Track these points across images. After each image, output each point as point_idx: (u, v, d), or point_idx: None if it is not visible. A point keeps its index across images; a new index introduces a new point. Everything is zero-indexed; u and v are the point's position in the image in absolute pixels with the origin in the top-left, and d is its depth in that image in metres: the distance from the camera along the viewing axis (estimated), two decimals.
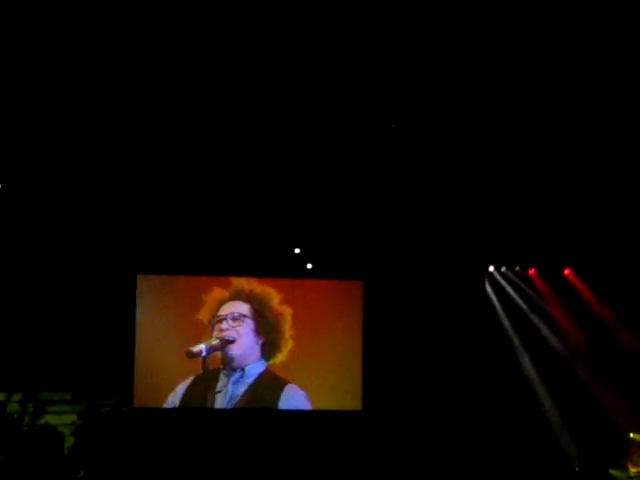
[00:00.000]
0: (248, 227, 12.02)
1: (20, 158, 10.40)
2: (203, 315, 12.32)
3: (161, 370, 12.15)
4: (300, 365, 12.41)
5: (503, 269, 12.93)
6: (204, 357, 11.98)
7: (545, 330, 12.65)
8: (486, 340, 12.65)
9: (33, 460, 10.85)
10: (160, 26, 7.97)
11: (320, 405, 12.43)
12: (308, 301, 12.59)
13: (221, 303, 12.41)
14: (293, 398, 12.38)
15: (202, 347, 11.98)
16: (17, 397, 11.77)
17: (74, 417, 11.92)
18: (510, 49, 8.33)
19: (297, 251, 12.46)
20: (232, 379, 12.25)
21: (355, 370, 12.46)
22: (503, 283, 12.89)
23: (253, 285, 12.52)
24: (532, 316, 12.72)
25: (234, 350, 12.24)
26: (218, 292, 12.44)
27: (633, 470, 11.51)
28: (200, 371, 12.07)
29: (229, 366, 12.24)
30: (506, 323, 12.76)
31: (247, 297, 12.47)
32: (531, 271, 12.82)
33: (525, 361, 12.63)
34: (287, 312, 12.48)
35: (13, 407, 11.71)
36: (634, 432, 11.78)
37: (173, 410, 12.14)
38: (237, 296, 12.47)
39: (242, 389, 12.27)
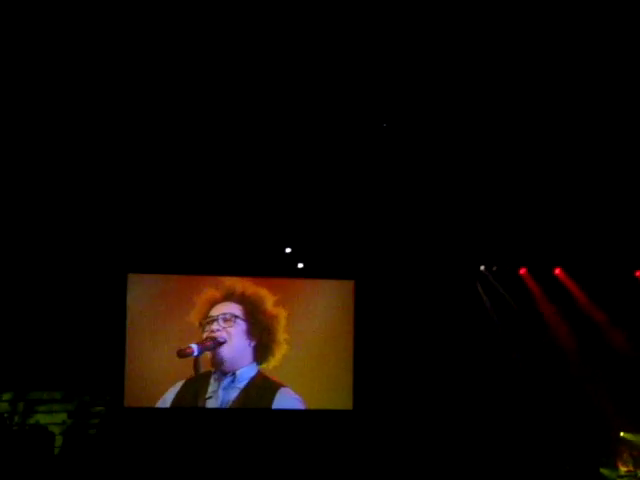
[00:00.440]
0: (239, 226, 11.99)
1: (12, 157, 10.37)
2: (194, 316, 12.25)
3: (152, 369, 12.08)
4: (292, 366, 12.35)
5: (494, 268, 12.93)
6: (196, 357, 11.95)
7: (536, 329, 12.65)
8: (477, 339, 12.67)
9: (23, 460, 10.82)
10: (159, 26, 7.98)
11: (313, 407, 12.40)
12: (299, 301, 12.55)
13: (212, 304, 12.35)
14: (287, 402, 12.32)
15: (194, 347, 11.93)
16: (7, 396, 11.73)
17: (64, 416, 11.87)
18: (505, 48, 8.35)
19: (288, 250, 12.43)
20: (223, 384, 12.15)
21: (346, 369, 12.45)
22: (494, 282, 12.89)
23: (246, 286, 12.45)
24: (522, 315, 12.72)
25: (225, 352, 12.15)
26: (209, 292, 12.38)
27: (623, 469, 11.53)
28: (190, 371, 12.05)
29: (220, 369, 12.14)
30: (497, 322, 12.75)
31: (239, 298, 12.40)
32: (522, 270, 12.82)
33: (516, 360, 12.62)
34: (281, 315, 12.42)
35: (3, 406, 11.67)
36: (624, 431, 11.81)
37: (164, 410, 12.08)
38: (229, 297, 12.40)
39: (233, 394, 12.16)
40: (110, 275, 12.09)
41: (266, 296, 12.44)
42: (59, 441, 11.62)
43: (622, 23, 7.87)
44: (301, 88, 9.17)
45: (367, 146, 10.49)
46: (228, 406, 12.17)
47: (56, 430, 11.64)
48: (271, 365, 12.33)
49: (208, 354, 12.10)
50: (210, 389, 12.14)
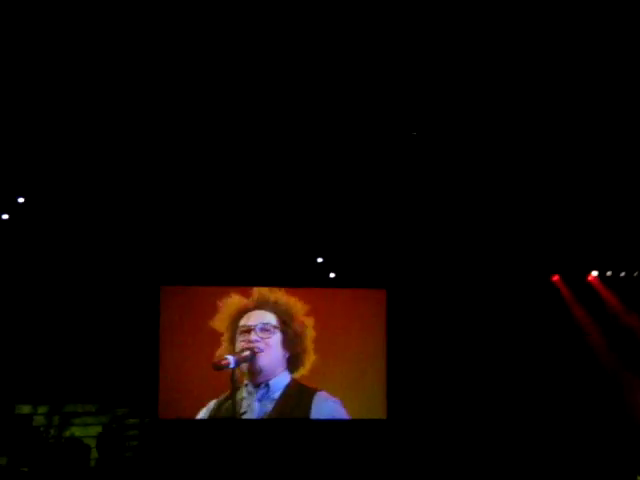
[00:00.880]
0: (271, 237, 12.00)
1: (45, 172, 10.47)
2: (220, 323, 12.12)
3: (186, 381, 12.05)
4: (323, 376, 12.28)
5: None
6: (232, 369, 11.59)
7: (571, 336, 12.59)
8: (511, 349, 12.59)
9: (59, 473, 10.86)
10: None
11: (353, 412, 12.28)
12: (331, 310, 12.50)
13: (242, 311, 12.21)
14: (325, 405, 12.18)
15: (230, 359, 11.63)
16: (43, 410, 11.77)
17: (99, 429, 11.89)
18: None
19: (320, 260, 12.43)
20: (257, 396, 11.98)
21: (379, 379, 12.41)
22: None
23: (278, 295, 12.37)
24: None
25: (262, 363, 11.96)
26: (237, 299, 12.22)
27: None
28: (224, 381, 11.77)
29: (253, 380, 11.96)
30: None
31: (272, 307, 12.28)
32: (555, 277, 12.75)
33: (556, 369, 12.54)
34: (313, 324, 12.30)
35: (39, 420, 11.72)
36: None
37: (199, 422, 12.06)
38: (262, 305, 12.27)
39: (269, 406, 12.01)
40: (143, 288, 12.12)
41: (298, 305, 12.34)
42: (95, 454, 11.64)
43: (622, 23, 7.85)
44: (336, 100, 9.18)
45: (398, 155, 10.49)
46: (265, 417, 12.05)
47: (91, 443, 11.67)
48: (301, 375, 12.25)
49: (244, 365, 11.88)
50: (245, 404, 11.96)
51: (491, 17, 7.73)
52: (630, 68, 8.46)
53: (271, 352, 12.08)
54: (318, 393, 12.23)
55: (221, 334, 12.14)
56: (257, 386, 12.02)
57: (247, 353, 11.89)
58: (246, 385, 11.99)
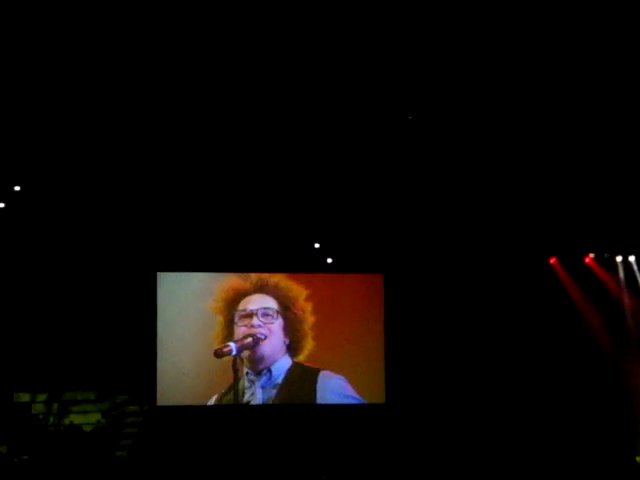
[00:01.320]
0: (269, 223, 11.99)
1: (41, 161, 10.45)
2: (215, 304, 11.97)
3: (184, 367, 12.00)
4: (322, 362, 12.24)
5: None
6: (234, 357, 11.35)
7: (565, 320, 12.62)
8: (506, 332, 12.61)
9: (59, 460, 10.88)
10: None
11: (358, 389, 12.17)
12: (329, 295, 12.47)
13: (241, 294, 12.07)
14: (331, 383, 12.06)
15: (232, 346, 11.36)
16: (41, 398, 11.79)
17: (99, 416, 11.90)
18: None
19: (317, 246, 12.41)
20: (260, 383, 11.85)
21: (378, 364, 12.41)
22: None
23: (278, 278, 12.22)
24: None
25: (264, 349, 11.83)
26: (234, 281, 12.05)
27: None
28: (223, 366, 11.64)
29: (254, 367, 11.84)
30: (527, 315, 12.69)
31: (273, 291, 12.15)
32: (552, 259, 12.77)
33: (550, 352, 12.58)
34: (312, 309, 12.21)
35: (38, 408, 11.73)
36: None
37: (198, 408, 12.04)
38: (262, 289, 12.14)
39: (273, 391, 11.91)
40: (140, 274, 12.09)
41: (298, 290, 12.25)
42: (94, 441, 11.65)
43: (622, 23, 7.86)
44: (331, 87, 9.17)
45: (394, 140, 10.48)
46: (269, 403, 11.95)
47: (90, 430, 11.69)
48: (300, 360, 12.20)
49: (245, 352, 11.67)
50: (248, 393, 11.83)
51: (491, 10, 7.75)
52: (616, 54, 8.47)
53: (273, 338, 11.94)
54: (322, 372, 12.12)
55: (218, 317, 12.02)
56: (259, 373, 11.90)
57: (249, 340, 11.68)
58: (247, 373, 11.85)
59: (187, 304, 12.20)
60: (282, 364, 12.03)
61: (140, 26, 7.96)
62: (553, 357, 12.56)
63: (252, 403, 11.93)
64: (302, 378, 12.03)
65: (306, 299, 12.29)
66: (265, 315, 11.99)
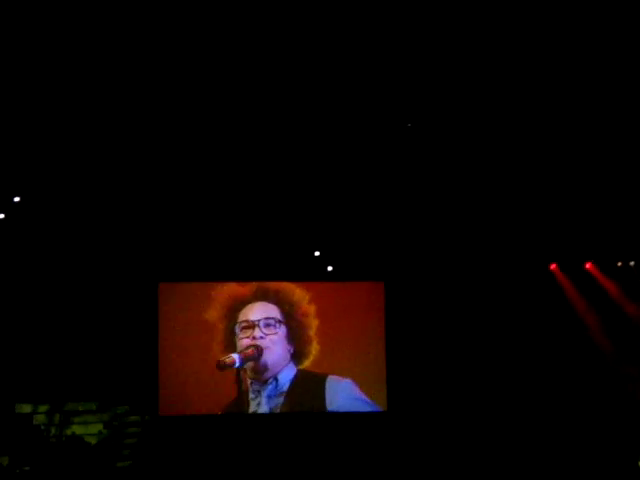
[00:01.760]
0: (269, 232, 11.98)
1: (41, 171, 10.45)
2: (214, 312, 11.92)
3: (186, 377, 11.99)
4: (328, 366, 12.20)
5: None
6: (237, 369, 11.33)
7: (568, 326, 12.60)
8: (508, 339, 12.60)
9: (61, 471, 10.86)
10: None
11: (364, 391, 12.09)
12: (330, 304, 12.44)
13: (240, 302, 12.02)
14: (340, 387, 11.97)
15: (235, 357, 11.36)
16: (43, 408, 11.76)
17: (100, 427, 11.88)
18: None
19: (317, 254, 12.40)
20: (266, 393, 11.79)
21: (379, 371, 12.38)
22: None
23: (278, 284, 12.17)
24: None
25: (267, 359, 11.75)
26: (233, 288, 11.99)
27: None
28: (225, 375, 11.75)
29: (259, 377, 11.79)
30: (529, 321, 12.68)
31: (274, 298, 12.11)
32: (552, 266, 12.76)
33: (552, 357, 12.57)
34: (314, 318, 12.15)
35: (39, 419, 11.71)
36: None
37: (200, 418, 12.01)
38: (262, 296, 12.10)
39: (280, 400, 11.85)
40: (141, 285, 12.09)
41: (301, 294, 12.20)
42: (96, 452, 11.63)
43: (622, 23, 7.87)
44: (331, 94, 9.18)
45: (393, 148, 10.49)
46: (278, 411, 11.88)
47: (92, 441, 11.67)
48: (304, 366, 12.13)
49: (248, 364, 11.64)
50: (253, 403, 11.79)
51: (490, 12, 7.76)
52: (614, 51, 8.48)
53: (276, 348, 11.86)
54: (329, 377, 12.03)
55: (219, 325, 11.97)
56: (264, 382, 11.83)
57: (252, 352, 11.60)
58: (251, 384, 11.81)
59: (188, 313, 12.18)
60: (288, 372, 11.95)
61: (139, 29, 7.94)
62: (555, 363, 12.55)
63: (258, 412, 11.87)
64: (309, 384, 11.96)
65: (307, 307, 12.22)
66: (267, 326, 11.94)
